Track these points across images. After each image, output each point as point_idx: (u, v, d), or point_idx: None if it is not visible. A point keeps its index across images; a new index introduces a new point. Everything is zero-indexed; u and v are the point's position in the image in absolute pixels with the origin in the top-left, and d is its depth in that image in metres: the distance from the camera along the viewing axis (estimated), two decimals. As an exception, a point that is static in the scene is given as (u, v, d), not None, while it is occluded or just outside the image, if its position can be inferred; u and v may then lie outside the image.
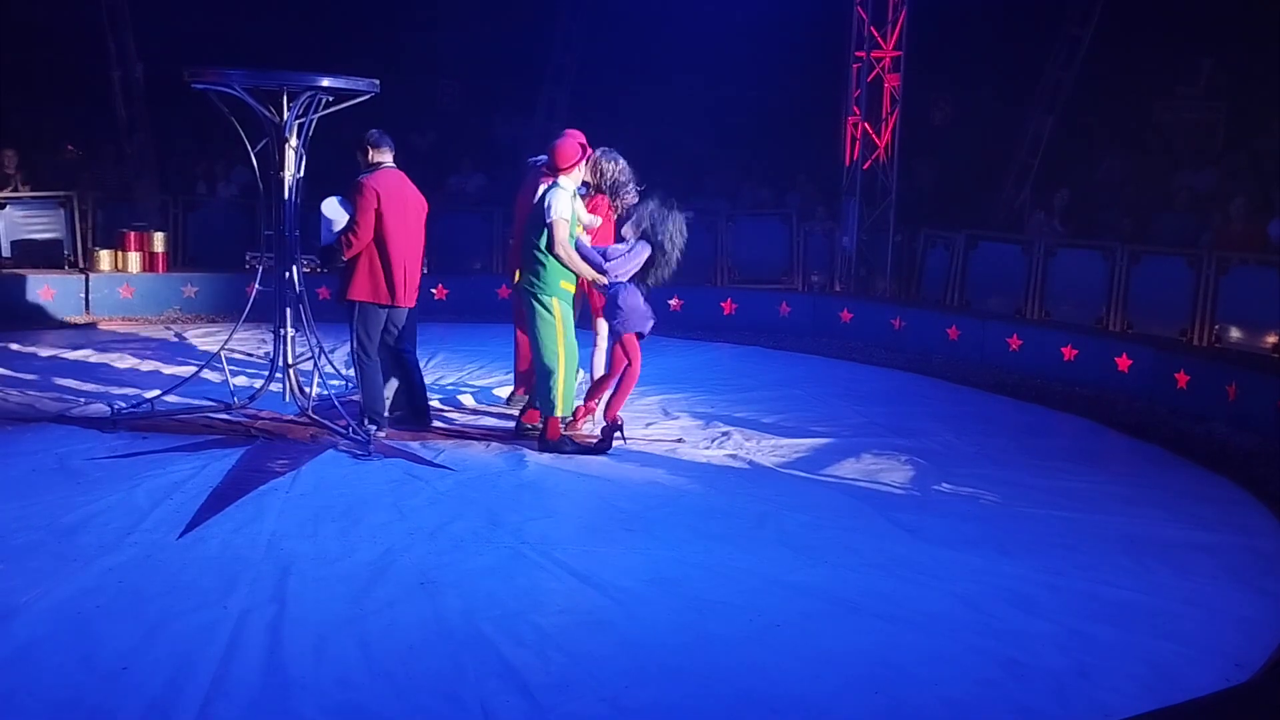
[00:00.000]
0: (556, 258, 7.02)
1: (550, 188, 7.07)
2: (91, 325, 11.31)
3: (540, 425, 7.24)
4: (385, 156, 7.25)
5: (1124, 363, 9.65)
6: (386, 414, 7.48)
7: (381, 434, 7.30)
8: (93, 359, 9.52)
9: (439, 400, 8.37)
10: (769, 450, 7.42)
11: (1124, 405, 9.15)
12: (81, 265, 12.05)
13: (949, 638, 4.68)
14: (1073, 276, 10.94)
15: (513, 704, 4.00)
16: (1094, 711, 4.18)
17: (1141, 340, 9.91)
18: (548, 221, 6.99)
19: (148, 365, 9.37)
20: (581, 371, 7.63)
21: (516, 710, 3.97)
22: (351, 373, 8.99)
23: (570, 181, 7.12)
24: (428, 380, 8.17)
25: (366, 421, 7.26)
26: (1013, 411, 9.11)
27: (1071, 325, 10.58)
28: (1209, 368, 9.03)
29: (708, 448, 7.42)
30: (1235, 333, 9.62)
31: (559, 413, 7.13)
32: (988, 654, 4.55)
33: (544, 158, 7.54)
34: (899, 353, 11.12)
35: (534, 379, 7.27)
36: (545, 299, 7.07)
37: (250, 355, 9.28)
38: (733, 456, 7.28)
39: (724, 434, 7.74)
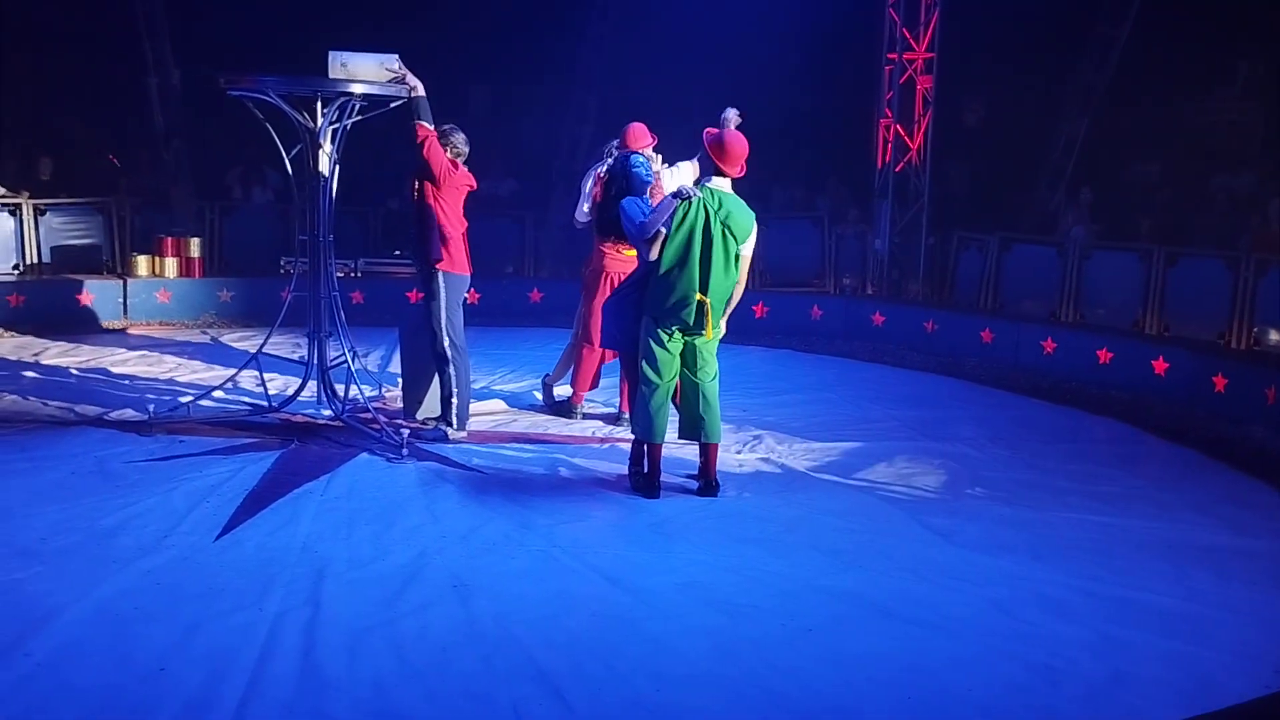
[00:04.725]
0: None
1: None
2: (129, 329, 11.43)
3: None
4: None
5: (1161, 366, 9.56)
6: (432, 416, 7.57)
7: (463, 434, 7.37)
8: (130, 363, 9.62)
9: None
10: (801, 454, 7.41)
11: (1161, 409, 9.06)
12: (119, 270, 12.17)
13: (981, 643, 4.66)
14: (1108, 279, 10.85)
15: (544, 706, 4.01)
16: (1129, 718, 4.15)
17: (1178, 343, 9.82)
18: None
19: (184, 369, 9.46)
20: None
21: (548, 712, 3.98)
22: (389, 371, 9.08)
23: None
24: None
25: (455, 423, 7.31)
26: (1047, 415, 9.04)
27: (1107, 328, 10.50)
28: (1248, 371, 8.92)
29: (740, 451, 7.41)
30: (1275, 335, 9.51)
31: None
32: (1020, 659, 4.52)
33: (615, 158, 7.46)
34: (932, 356, 11.06)
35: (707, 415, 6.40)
36: None
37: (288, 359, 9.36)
38: (765, 460, 7.27)
39: (756, 437, 7.73)
